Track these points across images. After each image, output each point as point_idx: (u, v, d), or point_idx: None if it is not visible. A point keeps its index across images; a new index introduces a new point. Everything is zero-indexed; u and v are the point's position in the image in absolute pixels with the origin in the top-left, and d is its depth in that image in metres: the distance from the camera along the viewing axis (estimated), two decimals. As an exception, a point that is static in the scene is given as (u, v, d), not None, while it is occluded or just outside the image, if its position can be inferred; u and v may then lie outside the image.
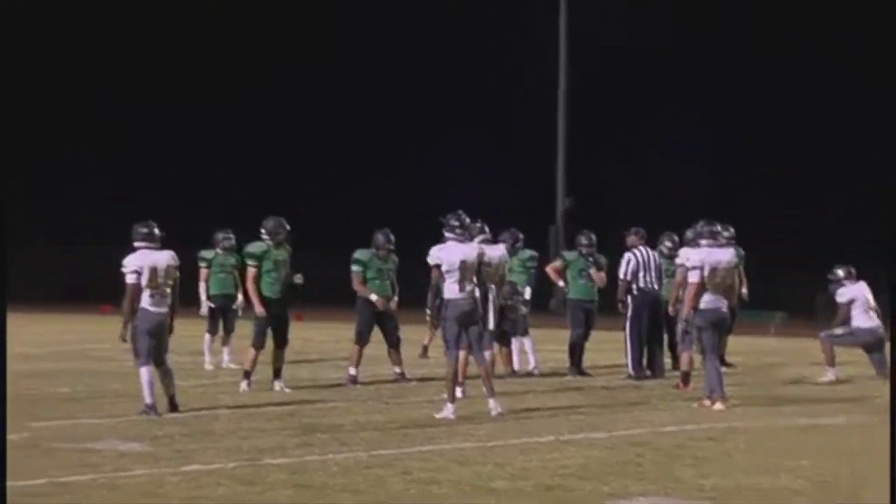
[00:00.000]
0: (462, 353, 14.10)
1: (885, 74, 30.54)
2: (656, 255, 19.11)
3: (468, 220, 14.39)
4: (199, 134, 51.83)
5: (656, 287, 18.88)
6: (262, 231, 16.70)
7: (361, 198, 49.16)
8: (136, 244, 14.15)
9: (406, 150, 50.74)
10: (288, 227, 16.74)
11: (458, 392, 14.60)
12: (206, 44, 51.99)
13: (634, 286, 18.86)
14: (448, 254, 14.07)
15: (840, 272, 19.07)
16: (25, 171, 48.94)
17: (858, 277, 19.05)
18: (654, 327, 18.80)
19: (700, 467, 10.78)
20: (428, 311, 14.30)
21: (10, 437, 12.17)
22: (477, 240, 15.51)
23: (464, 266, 13.94)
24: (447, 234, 14.23)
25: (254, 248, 16.66)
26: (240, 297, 19.17)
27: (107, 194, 51.68)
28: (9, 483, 9.78)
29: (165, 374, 14.18)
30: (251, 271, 16.53)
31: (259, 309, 16.32)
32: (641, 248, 19.03)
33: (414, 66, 50.92)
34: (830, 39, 44.61)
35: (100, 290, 43.71)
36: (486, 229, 17.22)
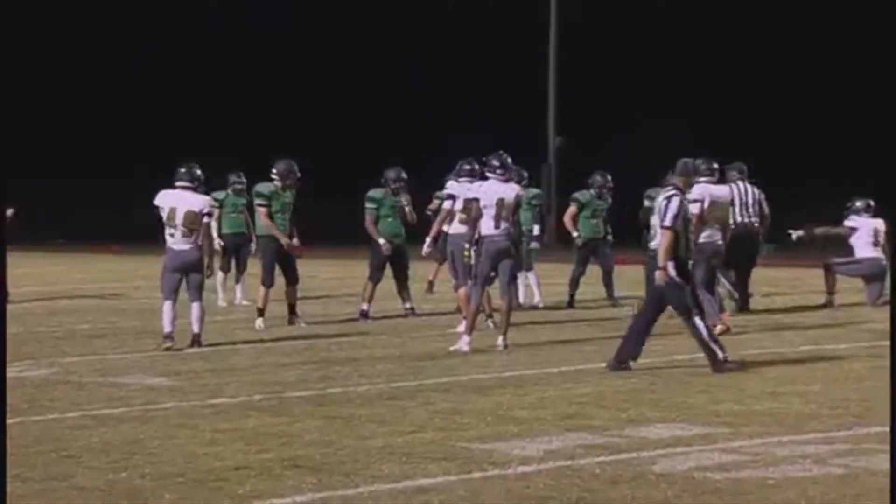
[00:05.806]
0: (486, 289, 14.57)
1: None
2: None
3: (510, 162, 14.68)
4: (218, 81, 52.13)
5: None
6: (273, 172, 17.05)
7: (353, 139, 49.36)
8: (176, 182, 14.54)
9: (397, 89, 50.76)
10: (298, 172, 17.10)
11: (490, 323, 15.56)
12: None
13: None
14: (486, 191, 14.44)
15: (859, 203, 19.45)
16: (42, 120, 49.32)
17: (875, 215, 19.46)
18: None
19: (712, 394, 11.07)
20: (465, 245, 14.57)
21: (41, 371, 12.57)
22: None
23: (500, 204, 14.28)
24: (488, 174, 14.60)
25: (262, 187, 17.09)
26: (253, 245, 19.41)
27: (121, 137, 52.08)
28: (44, 416, 10.09)
29: (196, 312, 14.37)
30: (262, 210, 16.91)
31: (284, 239, 16.82)
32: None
33: (407, 4, 50.93)
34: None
35: (110, 230, 44.11)
36: (524, 174, 17.79)
